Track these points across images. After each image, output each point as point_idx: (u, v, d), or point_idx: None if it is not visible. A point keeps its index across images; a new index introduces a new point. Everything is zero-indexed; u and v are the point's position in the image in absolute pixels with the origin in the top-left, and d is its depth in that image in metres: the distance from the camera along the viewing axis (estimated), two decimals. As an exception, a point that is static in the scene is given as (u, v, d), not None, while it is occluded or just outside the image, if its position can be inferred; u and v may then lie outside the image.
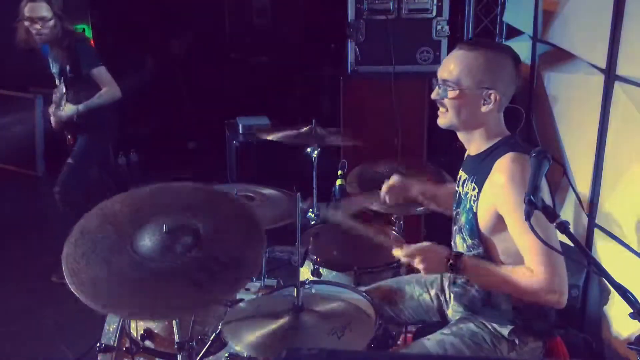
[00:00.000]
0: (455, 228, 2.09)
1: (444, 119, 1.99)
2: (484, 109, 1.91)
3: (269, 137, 2.90)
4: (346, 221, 2.22)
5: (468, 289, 2.06)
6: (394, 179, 2.39)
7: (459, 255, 1.91)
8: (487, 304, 2.01)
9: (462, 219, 2.00)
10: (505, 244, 1.90)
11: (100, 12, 5.47)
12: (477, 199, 1.92)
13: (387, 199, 2.40)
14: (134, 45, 5.52)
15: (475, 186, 1.94)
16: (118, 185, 4.21)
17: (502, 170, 1.84)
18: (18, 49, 3.81)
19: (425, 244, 1.94)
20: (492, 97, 1.90)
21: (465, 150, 2.11)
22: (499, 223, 1.87)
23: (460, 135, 2.03)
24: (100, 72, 3.76)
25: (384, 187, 2.40)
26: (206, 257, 1.65)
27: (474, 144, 2.00)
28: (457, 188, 2.10)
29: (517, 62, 1.96)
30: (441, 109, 1.99)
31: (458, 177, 2.12)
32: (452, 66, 1.93)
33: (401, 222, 2.86)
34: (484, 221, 1.92)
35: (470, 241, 1.98)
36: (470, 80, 1.89)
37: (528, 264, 1.82)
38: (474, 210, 1.93)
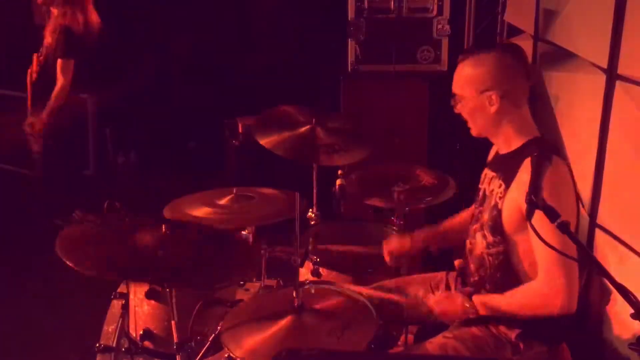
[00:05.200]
0: (475, 226, 2.08)
1: (471, 130, 2.05)
2: (493, 109, 1.94)
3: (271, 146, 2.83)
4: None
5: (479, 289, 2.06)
6: (391, 244, 2.43)
7: (469, 297, 1.97)
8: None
9: (486, 216, 2.01)
10: (526, 244, 1.91)
11: (100, 9, 5.46)
12: (503, 196, 1.93)
13: (391, 261, 2.44)
14: (133, 44, 5.51)
15: (502, 183, 1.95)
16: None
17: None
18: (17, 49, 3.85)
19: (440, 294, 2.07)
20: (494, 97, 1.92)
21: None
22: (523, 222, 1.85)
23: (491, 139, 2.06)
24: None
25: (385, 253, 2.43)
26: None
27: (503, 143, 2.02)
28: (480, 186, 2.11)
29: (515, 54, 1.97)
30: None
31: (482, 175, 2.13)
32: (455, 80, 2.00)
33: (401, 222, 2.85)
34: (508, 219, 1.92)
35: (491, 238, 1.98)
36: (470, 89, 1.95)
37: (539, 266, 1.84)
38: (499, 207, 1.94)
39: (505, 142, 2.00)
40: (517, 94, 1.96)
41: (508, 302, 1.90)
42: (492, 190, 2.00)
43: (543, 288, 1.82)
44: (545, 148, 1.90)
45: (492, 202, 1.98)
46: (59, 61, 3.92)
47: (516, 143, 1.98)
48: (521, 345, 1.97)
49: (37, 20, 4.85)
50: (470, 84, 1.96)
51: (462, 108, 1.99)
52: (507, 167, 1.96)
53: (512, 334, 1.97)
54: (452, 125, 2.19)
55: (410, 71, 3.83)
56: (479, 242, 2.05)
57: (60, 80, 3.93)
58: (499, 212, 1.94)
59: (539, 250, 1.82)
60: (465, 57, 1.99)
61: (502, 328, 2.00)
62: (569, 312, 1.82)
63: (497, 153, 2.12)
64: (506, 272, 1.97)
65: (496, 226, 1.95)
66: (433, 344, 2.00)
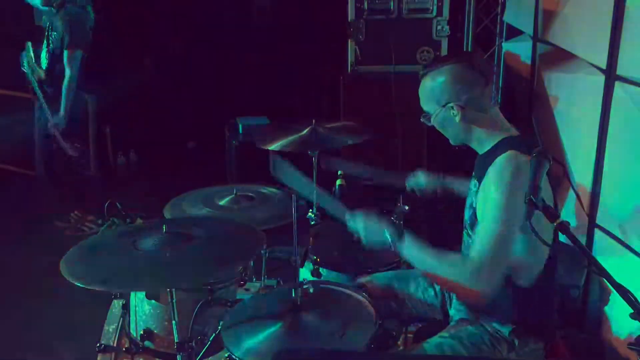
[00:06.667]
0: (462, 225, 2.11)
1: (450, 141, 2.10)
2: (457, 119, 1.97)
3: (270, 147, 2.81)
4: None
5: None
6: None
7: (400, 232, 1.99)
8: (489, 303, 2.01)
9: (465, 215, 2.04)
10: None
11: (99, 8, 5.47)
12: (477, 195, 1.95)
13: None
14: (132, 44, 5.52)
15: (477, 182, 1.98)
16: None
17: (497, 166, 1.87)
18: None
19: (369, 214, 2.05)
20: (455, 108, 1.96)
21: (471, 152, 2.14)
22: None
23: (468, 144, 2.07)
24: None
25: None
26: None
27: (478, 146, 2.04)
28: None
29: (469, 63, 1.98)
30: None
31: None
32: (420, 97, 2.06)
33: (401, 222, 2.85)
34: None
35: (473, 237, 1.98)
36: (433, 104, 2.01)
37: (473, 247, 1.85)
38: (474, 205, 1.97)
39: (479, 144, 2.03)
40: (478, 100, 1.97)
41: (436, 255, 1.90)
42: (470, 190, 2.04)
43: (471, 268, 1.81)
44: (520, 147, 1.90)
45: (470, 201, 2.02)
46: (67, 52, 3.98)
47: (489, 144, 2.00)
48: (516, 342, 1.98)
49: (37, 20, 4.86)
50: (432, 99, 2.01)
51: (433, 122, 2.05)
52: (481, 166, 1.99)
53: (506, 331, 1.98)
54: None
55: (410, 72, 3.83)
56: (465, 240, 2.08)
57: (67, 71, 4.00)
58: (474, 210, 1.97)
59: (478, 234, 1.84)
60: (425, 73, 2.04)
61: (496, 325, 2.01)
62: (483, 297, 1.83)
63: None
64: None
65: (473, 225, 1.97)
66: (430, 344, 2.01)
